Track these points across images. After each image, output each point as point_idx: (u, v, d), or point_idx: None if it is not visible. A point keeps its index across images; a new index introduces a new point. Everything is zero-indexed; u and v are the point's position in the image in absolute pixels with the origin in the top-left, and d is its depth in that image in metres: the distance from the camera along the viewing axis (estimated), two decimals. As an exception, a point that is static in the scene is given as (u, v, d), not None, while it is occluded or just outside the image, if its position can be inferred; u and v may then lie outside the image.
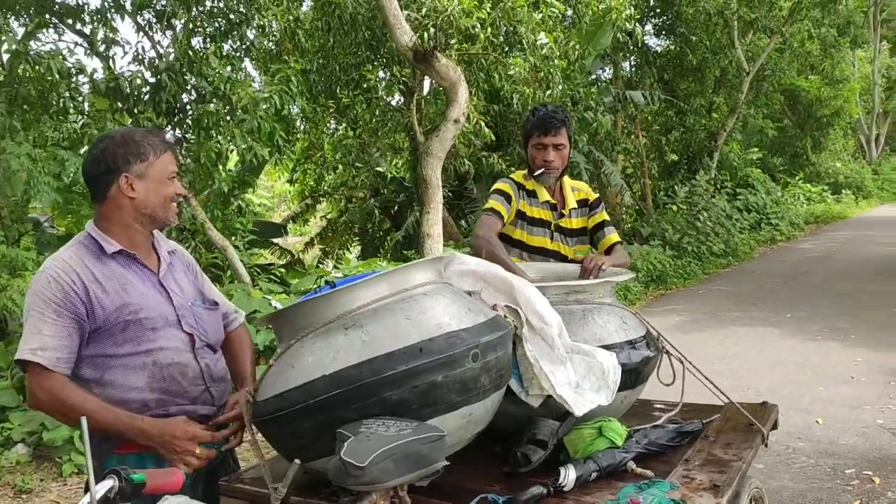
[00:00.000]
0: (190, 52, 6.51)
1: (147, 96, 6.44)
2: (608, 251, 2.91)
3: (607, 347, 2.01)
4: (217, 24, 7.04)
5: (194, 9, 6.88)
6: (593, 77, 12.66)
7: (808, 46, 18.78)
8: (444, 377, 1.57)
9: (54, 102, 6.30)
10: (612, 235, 2.97)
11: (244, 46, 7.43)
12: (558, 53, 8.20)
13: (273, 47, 9.03)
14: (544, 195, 2.91)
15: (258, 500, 1.77)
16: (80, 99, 6.38)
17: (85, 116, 6.47)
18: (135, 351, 1.83)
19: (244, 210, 8.96)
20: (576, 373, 1.90)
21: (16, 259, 5.31)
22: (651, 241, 12.62)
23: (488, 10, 7.25)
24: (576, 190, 3.01)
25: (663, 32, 16.13)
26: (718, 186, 16.11)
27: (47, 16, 6.96)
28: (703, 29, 14.91)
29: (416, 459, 1.43)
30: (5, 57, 6.14)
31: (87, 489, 1.79)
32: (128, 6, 6.87)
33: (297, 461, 1.53)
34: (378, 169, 12.29)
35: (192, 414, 1.90)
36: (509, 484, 1.80)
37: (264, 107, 6.42)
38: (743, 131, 19.80)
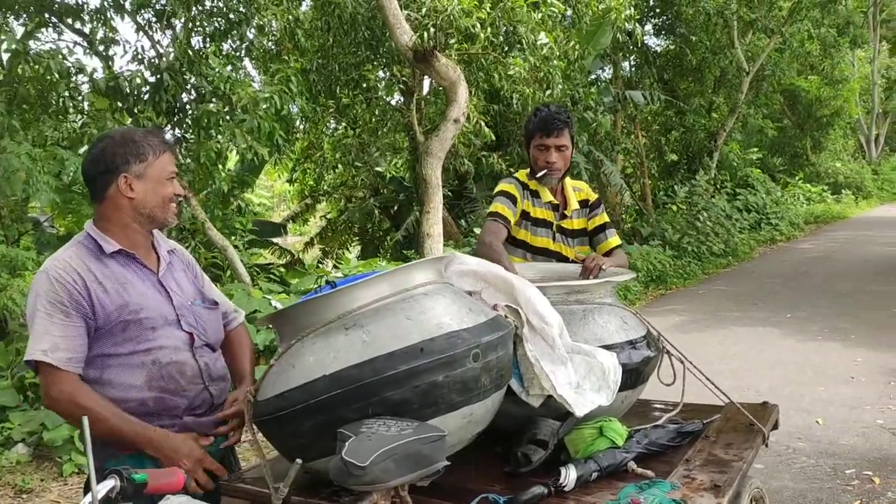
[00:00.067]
0: (189, 52, 6.50)
1: (147, 96, 6.44)
2: (607, 255, 2.90)
3: (608, 347, 2.01)
4: (217, 24, 7.04)
5: (194, 8, 6.88)
6: (593, 77, 12.66)
7: (808, 46, 18.78)
8: (444, 377, 1.57)
9: (54, 102, 6.30)
10: (613, 239, 2.96)
11: (244, 46, 7.42)
12: (558, 53, 8.20)
13: (273, 47, 9.02)
14: (547, 196, 2.91)
15: (259, 499, 1.77)
16: (80, 98, 6.39)
17: (84, 116, 6.47)
18: (134, 350, 1.84)
19: (244, 210, 8.97)
20: (576, 373, 1.90)
21: (16, 259, 5.30)
22: (651, 241, 12.62)
23: (488, 9, 7.26)
24: (577, 190, 3.00)
25: (663, 32, 16.14)
26: (718, 186, 16.12)
27: (47, 15, 6.96)
28: (702, 29, 14.92)
29: (417, 459, 1.43)
30: (5, 56, 6.15)
31: (86, 489, 1.79)
32: (127, 5, 6.87)
33: (300, 461, 1.52)
34: (378, 169, 12.29)
35: (190, 413, 1.91)
36: (510, 484, 1.80)
37: (264, 106, 6.42)
38: (743, 131, 19.80)
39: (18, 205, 6.55)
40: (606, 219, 3.00)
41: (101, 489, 1.36)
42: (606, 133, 11.89)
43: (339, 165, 12.28)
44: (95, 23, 6.98)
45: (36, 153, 5.44)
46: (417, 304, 1.66)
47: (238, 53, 7.46)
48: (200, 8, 7.05)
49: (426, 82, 10.35)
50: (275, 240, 11.37)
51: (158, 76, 6.41)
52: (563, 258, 2.88)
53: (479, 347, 1.63)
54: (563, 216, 2.93)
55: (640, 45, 13.38)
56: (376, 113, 10.94)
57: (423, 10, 7.17)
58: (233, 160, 8.42)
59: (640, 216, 14.77)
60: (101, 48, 6.96)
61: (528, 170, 2.95)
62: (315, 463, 1.61)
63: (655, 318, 5.66)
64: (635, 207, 15.13)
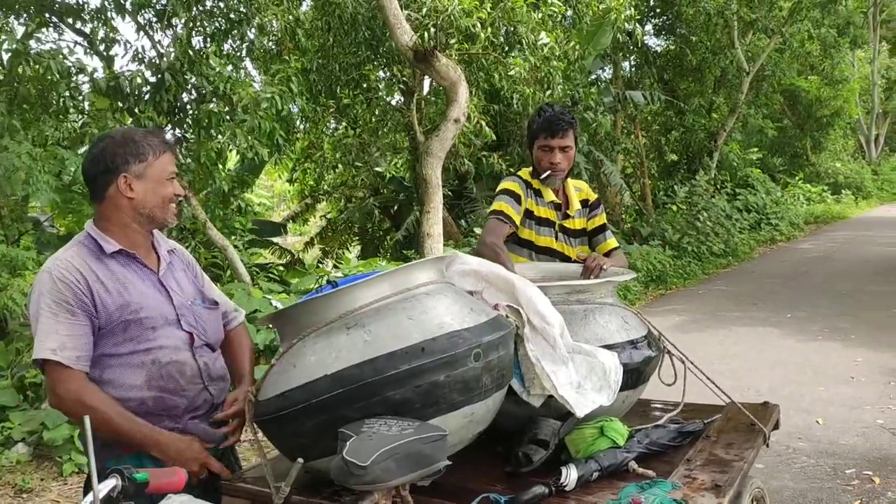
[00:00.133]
0: (190, 52, 6.50)
1: (147, 96, 6.44)
2: (607, 255, 2.89)
3: (609, 347, 2.01)
4: (217, 24, 7.04)
5: (194, 8, 6.87)
6: (593, 77, 12.66)
7: (808, 47, 18.79)
8: (446, 377, 1.57)
9: (54, 102, 6.29)
10: (612, 241, 2.97)
11: (244, 46, 7.42)
12: (558, 53, 8.20)
13: (273, 47, 9.03)
14: (549, 195, 2.90)
15: (260, 499, 1.77)
16: (80, 98, 6.38)
17: (85, 116, 6.47)
18: (134, 350, 1.84)
19: (244, 209, 8.97)
20: (577, 373, 1.90)
21: (16, 259, 5.30)
22: (651, 241, 12.62)
23: (488, 9, 7.26)
24: (578, 190, 3.00)
25: (663, 32, 16.15)
26: (718, 186, 16.12)
27: (47, 15, 6.97)
28: (702, 29, 14.92)
29: (417, 459, 1.43)
30: (5, 56, 6.14)
31: (87, 488, 1.79)
32: (128, 5, 6.86)
33: (301, 460, 1.53)
34: (378, 168, 12.28)
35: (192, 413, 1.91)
36: (511, 484, 1.80)
37: (264, 106, 6.42)
38: (743, 131, 19.81)
39: (18, 204, 6.55)
40: (605, 220, 3.00)
41: (103, 488, 1.35)
42: (606, 133, 11.89)
43: (340, 165, 12.27)
44: (96, 23, 6.98)
45: (36, 153, 5.44)
46: (419, 303, 1.66)
47: (238, 53, 7.46)
48: (201, 8, 7.04)
49: (426, 82, 10.35)
50: (275, 239, 11.38)
51: (159, 76, 6.41)
52: (565, 258, 2.87)
53: (481, 347, 1.63)
54: (566, 216, 2.92)
55: (640, 45, 13.38)
56: (376, 113, 10.94)
57: (424, 10, 7.17)
58: (233, 160, 8.42)
59: (639, 216, 14.77)
60: (101, 48, 6.96)
61: (531, 169, 2.94)
62: (316, 462, 1.61)
63: (655, 318, 5.65)
64: (635, 207, 15.14)
